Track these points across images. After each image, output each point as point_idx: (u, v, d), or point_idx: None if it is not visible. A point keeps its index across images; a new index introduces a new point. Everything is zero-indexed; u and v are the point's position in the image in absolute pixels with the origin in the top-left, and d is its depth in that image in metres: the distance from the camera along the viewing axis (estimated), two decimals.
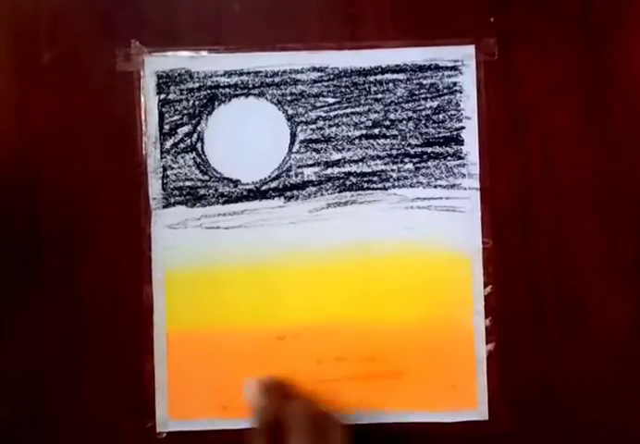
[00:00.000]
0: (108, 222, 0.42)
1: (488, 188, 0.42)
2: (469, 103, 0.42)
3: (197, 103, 0.42)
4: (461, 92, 0.42)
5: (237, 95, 0.42)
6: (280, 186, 0.42)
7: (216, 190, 0.42)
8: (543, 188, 0.42)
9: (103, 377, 0.42)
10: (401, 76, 0.42)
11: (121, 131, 0.42)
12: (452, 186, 0.42)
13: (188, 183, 0.42)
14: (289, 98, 0.42)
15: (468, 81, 0.42)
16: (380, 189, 0.42)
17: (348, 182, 0.42)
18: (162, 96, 0.42)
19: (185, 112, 0.42)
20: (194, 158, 0.42)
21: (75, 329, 0.42)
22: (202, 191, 0.42)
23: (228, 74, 0.42)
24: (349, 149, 0.42)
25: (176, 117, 0.42)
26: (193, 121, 0.42)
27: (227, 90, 0.42)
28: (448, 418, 0.42)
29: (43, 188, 0.42)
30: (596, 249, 0.42)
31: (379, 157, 0.42)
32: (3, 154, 0.42)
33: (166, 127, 0.42)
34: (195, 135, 0.42)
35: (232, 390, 0.42)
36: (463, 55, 0.42)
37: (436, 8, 0.42)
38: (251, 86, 0.42)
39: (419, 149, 0.42)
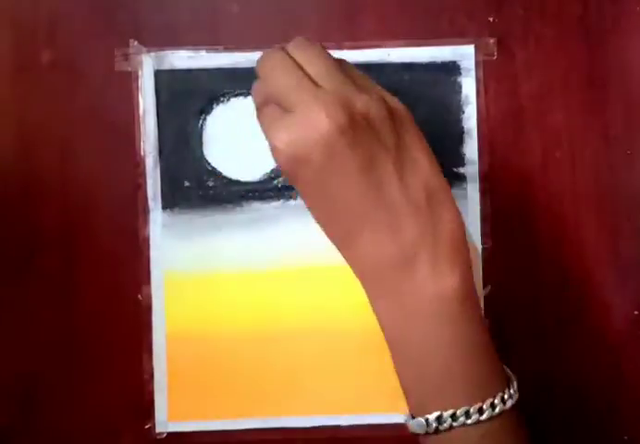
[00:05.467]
0: (107, 222, 0.42)
1: (488, 188, 0.42)
2: (468, 103, 0.42)
3: (196, 102, 0.42)
4: (460, 92, 0.42)
5: (236, 95, 0.42)
6: (280, 186, 0.42)
7: (215, 190, 0.42)
8: (543, 188, 0.42)
9: (101, 378, 0.42)
10: (401, 75, 0.42)
11: (120, 131, 0.42)
12: (452, 186, 0.42)
13: (186, 183, 0.42)
14: None
15: (467, 81, 0.42)
16: None
17: None
18: (161, 96, 0.42)
19: (184, 112, 0.42)
20: (193, 158, 0.42)
21: (74, 330, 0.42)
22: (200, 192, 0.42)
23: (228, 74, 0.42)
24: None
25: (174, 117, 0.42)
26: (192, 121, 0.42)
27: (227, 89, 0.42)
28: None
29: (42, 188, 0.42)
30: (596, 249, 0.42)
31: None
32: (1, 154, 0.42)
33: (165, 127, 0.42)
34: (194, 135, 0.42)
35: (231, 391, 0.42)
36: (463, 55, 0.42)
37: (436, 8, 0.42)
38: (250, 86, 0.42)
39: None
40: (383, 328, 0.34)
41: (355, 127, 0.32)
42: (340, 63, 0.34)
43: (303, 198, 0.34)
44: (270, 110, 0.33)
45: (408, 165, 0.33)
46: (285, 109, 0.33)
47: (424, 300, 0.32)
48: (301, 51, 0.34)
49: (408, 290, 0.33)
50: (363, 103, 0.32)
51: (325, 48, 0.34)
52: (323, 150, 0.31)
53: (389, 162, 0.32)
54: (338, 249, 0.34)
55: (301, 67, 0.33)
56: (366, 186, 0.32)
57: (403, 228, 0.32)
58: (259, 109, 0.35)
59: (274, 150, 0.32)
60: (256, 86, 0.35)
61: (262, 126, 0.34)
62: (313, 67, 0.33)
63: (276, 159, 0.32)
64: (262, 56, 0.34)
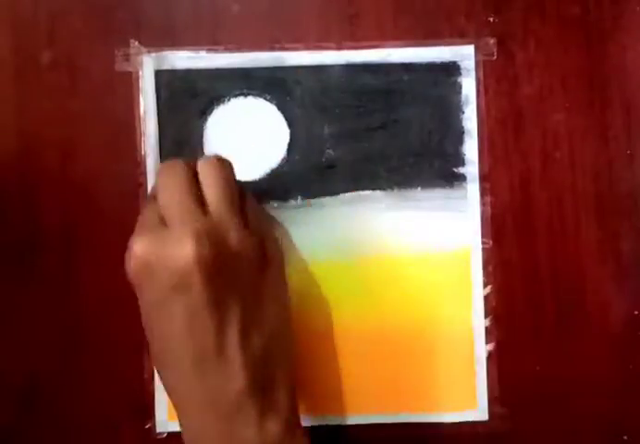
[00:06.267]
0: (107, 222, 0.42)
1: (488, 188, 0.42)
2: (468, 103, 0.42)
3: (196, 103, 0.42)
4: (460, 92, 0.42)
5: (236, 95, 0.42)
6: (280, 186, 0.42)
7: None
8: (543, 188, 0.42)
9: (102, 377, 0.42)
10: (401, 75, 0.42)
11: (120, 131, 0.42)
12: (452, 186, 0.42)
13: None
14: (288, 98, 0.42)
15: (467, 81, 0.42)
16: (379, 189, 0.42)
17: (347, 182, 0.42)
18: (161, 96, 0.42)
19: (184, 112, 0.42)
20: (193, 158, 0.42)
21: (74, 329, 0.42)
22: None
23: (228, 74, 0.42)
24: (348, 149, 0.42)
25: (175, 117, 0.42)
26: (193, 121, 0.42)
27: (227, 90, 0.42)
28: (447, 418, 0.42)
29: (42, 188, 0.42)
30: (595, 249, 0.42)
31: (379, 157, 0.42)
32: (1, 154, 0.42)
33: (165, 127, 0.42)
34: (195, 135, 0.42)
35: None
36: (462, 55, 0.42)
37: (436, 8, 0.42)
38: (250, 86, 0.42)
39: (418, 149, 0.42)
40: None
41: (218, 264, 0.32)
42: (243, 195, 0.35)
43: (141, 313, 0.34)
44: (149, 210, 0.34)
45: (257, 316, 0.33)
46: (165, 220, 0.33)
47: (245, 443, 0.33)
48: (208, 170, 0.34)
49: (230, 432, 0.33)
50: (238, 240, 0.33)
51: (233, 173, 0.35)
52: (174, 274, 0.31)
53: (239, 310, 0.33)
54: (158, 371, 0.34)
55: (199, 186, 0.34)
56: (207, 325, 0.32)
57: (232, 380, 0.32)
58: (149, 199, 0.35)
59: (130, 250, 0.33)
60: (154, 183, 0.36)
61: (140, 216, 0.35)
62: (211, 189, 0.34)
63: (127, 260, 0.33)
64: (163, 165, 0.35)
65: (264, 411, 0.33)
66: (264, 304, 0.34)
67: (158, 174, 0.35)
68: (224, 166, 0.35)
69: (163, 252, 0.32)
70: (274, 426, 0.33)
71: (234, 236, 0.33)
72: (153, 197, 0.35)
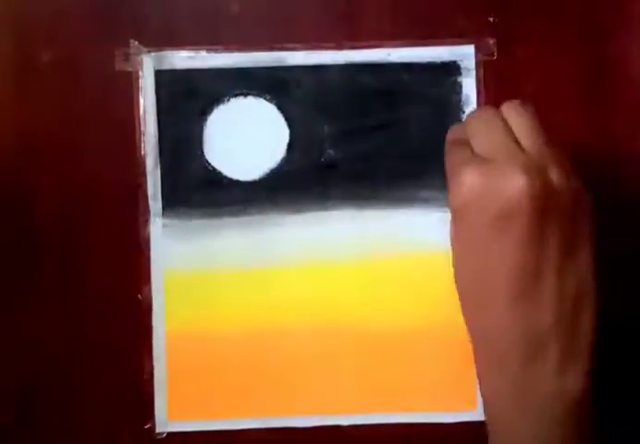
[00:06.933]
0: (107, 222, 0.42)
1: None
2: (468, 103, 0.42)
3: (196, 103, 0.42)
4: (460, 92, 0.42)
5: (236, 95, 0.42)
6: (280, 186, 0.42)
7: (215, 190, 0.42)
8: None
9: (101, 378, 0.42)
10: (401, 75, 0.42)
11: (120, 131, 0.42)
12: None
13: (186, 183, 0.42)
14: (288, 98, 0.42)
15: (468, 81, 0.42)
16: (379, 189, 0.42)
17: (347, 182, 0.42)
18: (161, 96, 0.42)
19: (184, 112, 0.42)
20: (193, 158, 0.42)
21: (73, 330, 0.42)
22: (200, 191, 0.42)
23: (227, 74, 0.42)
24: (348, 149, 0.42)
25: (175, 117, 0.42)
26: (192, 121, 0.42)
27: (227, 90, 0.42)
28: (447, 419, 0.42)
29: (42, 187, 0.42)
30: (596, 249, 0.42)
31: (379, 157, 0.42)
32: (1, 154, 0.42)
33: (165, 127, 0.42)
34: (194, 135, 0.42)
35: (232, 391, 0.42)
36: (463, 55, 0.42)
37: (436, 8, 0.42)
38: (250, 86, 0.42)
39: (418, 149, 0.42)
40: (487, 411, 0.33)
41: (545, 197, 0.31)
42: (547, 136, 0.34)
43: (455, 244, 0.34)
44: (462, 151, 0.34)
45: (571, 256, 0.32)
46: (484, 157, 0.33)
47: (541, 394, 0.32)
48: (516, 112, 0.34)
49: (527, 380, 0.32)
50: (558, 178, 0.32)
51: (537, 116, 0.34)
52: (504, 204, 0.31)
53: (556, 247, 0.32)
54: (465, 314, 0.34)
55: (509, 129, 0.34)
56: (524, 262, 0.32)
57: (542, 315, 0.32)
58: (450, 147, 0.35)
59: (458, 185, 0.32)
60: (455, 128, 0.36)
61: (449, 162, 0.34)
62: (523, 128, 0.34)
63: (455, 194, 0.32)
64: (477, 112, 0.35)
65: (564, 357, 0.32)
66: (577, 249, 0.33)
67: (472, 119, 0.35)
68: (530, 108, 0.35)
69: (494, 182, 0.31)
70: (573, 379, 0.32)
71: (556, 173, 0.32)
72: (458, 142, 0.35)
